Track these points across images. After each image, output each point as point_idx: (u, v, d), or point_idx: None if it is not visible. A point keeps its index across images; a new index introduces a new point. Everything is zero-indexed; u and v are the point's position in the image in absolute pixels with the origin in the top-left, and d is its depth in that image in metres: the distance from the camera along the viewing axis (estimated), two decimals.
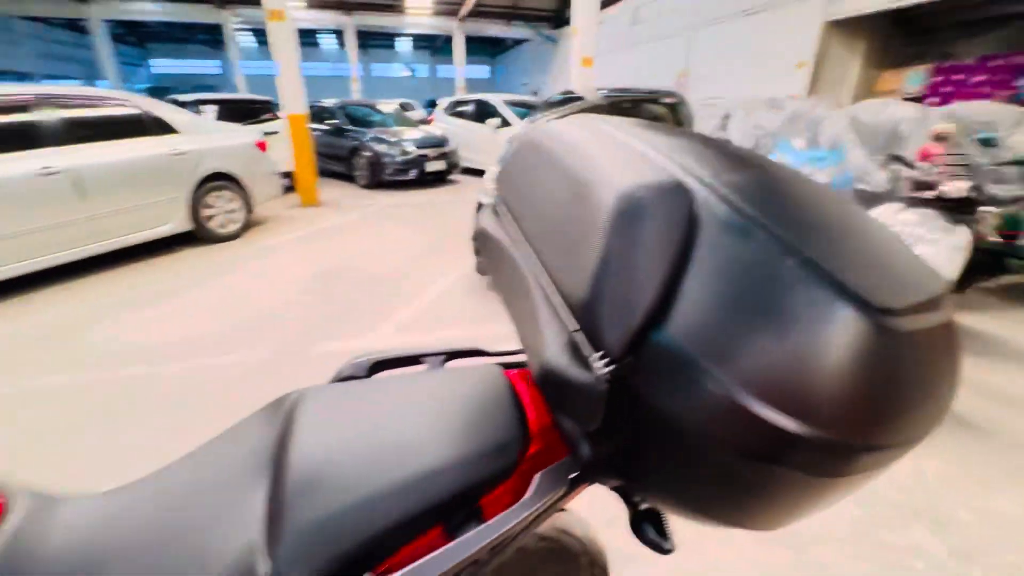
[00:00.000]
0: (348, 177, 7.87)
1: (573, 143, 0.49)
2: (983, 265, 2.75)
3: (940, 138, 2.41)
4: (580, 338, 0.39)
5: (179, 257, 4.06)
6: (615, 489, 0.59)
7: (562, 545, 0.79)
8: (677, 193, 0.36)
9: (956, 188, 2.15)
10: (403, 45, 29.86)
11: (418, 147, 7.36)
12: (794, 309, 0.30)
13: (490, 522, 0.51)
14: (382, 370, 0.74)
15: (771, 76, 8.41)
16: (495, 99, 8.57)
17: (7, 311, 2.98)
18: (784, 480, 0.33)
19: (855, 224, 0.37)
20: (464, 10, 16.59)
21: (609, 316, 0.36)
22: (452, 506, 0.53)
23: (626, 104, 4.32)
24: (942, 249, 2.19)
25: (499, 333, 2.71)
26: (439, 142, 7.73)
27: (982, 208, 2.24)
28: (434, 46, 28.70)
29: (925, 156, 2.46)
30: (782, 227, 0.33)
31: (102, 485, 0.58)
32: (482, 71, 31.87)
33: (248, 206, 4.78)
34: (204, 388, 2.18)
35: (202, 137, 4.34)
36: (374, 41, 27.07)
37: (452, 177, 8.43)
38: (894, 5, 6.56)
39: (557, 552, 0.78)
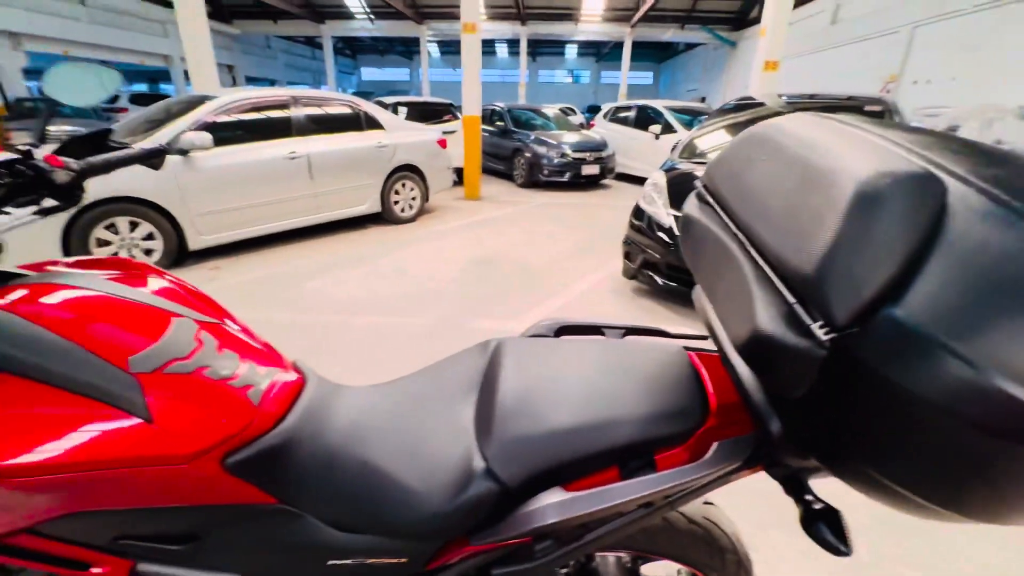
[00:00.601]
0: (507, 176, 8.42)
1: (809, 137, 0.53)
2: None
3: None
4: (800, 309, 0.43)
5: (369, 233, 4.83)
6: (788, 482, 0.60)
7: (712, 536, 0.82)
8: (928, 181, 0.39)
9: None
10: (570, 52, 30.65)
11: (575, 151, 7.55)
12: None
13: (661, 473, 0.58)
14: (567, 334, 0.86)
15: (1014, 80, 6.70)
16: (658, 105, 8.35)
17: (256, 260, 3.91)
18: (990, 449, 0.34)
19: None
20: (637, 16, 16.37)
21: (837, 289, 0.39)
22: (628, 453, 0.61)
23: (823, 110, 3.89)
24: None
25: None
26: (597, 146, 7.82)
27: None
28: (599, 52, 28.88)
29: None
30: None
31: None
32: (645, 77, 31.13)
33: (425, 195, 5.46)
34: (382, 340, 2.61)
35: (399, 133, 5.09)
36: (543, 48, 28.30)
37: (605, 182, 8.46)
38: None
39: (707, 540, 0.81)
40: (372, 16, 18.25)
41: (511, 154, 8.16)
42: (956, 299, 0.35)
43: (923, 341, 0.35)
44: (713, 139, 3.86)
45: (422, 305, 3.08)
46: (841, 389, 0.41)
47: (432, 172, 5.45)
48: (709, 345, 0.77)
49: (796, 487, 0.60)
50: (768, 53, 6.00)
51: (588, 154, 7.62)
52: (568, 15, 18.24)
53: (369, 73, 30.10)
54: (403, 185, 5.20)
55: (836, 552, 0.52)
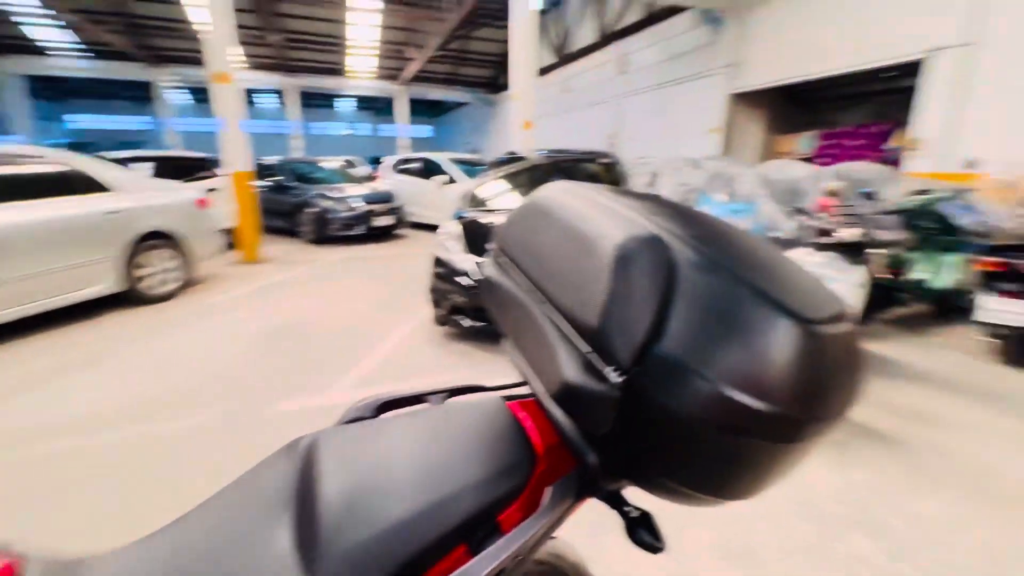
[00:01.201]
0: (292, 233, 7.74)
1: (572, 206, 0.61)
2: (879, 299, 3.19)
3: (832, 193, 2.86)
4: (594, 357, 0.49)
5: (108, 320, 3.77)
6: (609, 500, 0.68)
7: (559, 569, 0.85)
8: (657, 243, 0.49)
9: (850, 234, 2.55)
10: (344, 104, 30.46)
11: (365, 202, 7.44)
12: (752, 323, 0.43)
13: (509, 534, 0.57)
14: (388, 410, 0.80)
15: (689, 139, 9.43)
16: (440, 158, 8.93)
17: None
18: (756, 450, 0.44)
19: (777, 259, 0.51)
20: (405, 75, 17.39)
21: (618, 337, 0.47)
22: (473, 525, 0.59)
23: (566, 164, 4.70)
24: (846, 286, 2.55)
25: (465, 378, 2.74)
26: (386, 197, 7.86)
27: (871, 250, 2.65)
28: (376, 106, 29.52)
29: (822, 207, 2.89)
30: (734, 264, 0.47)
31: None
32: (425, 130, 32.99)
33: (188, 264, 4.57)
34: (146, 458, 2.02)
35: (137, 195, 4.18)
36: (315, 101, 27.45)
37: (399, 232, 8.51)
38: (779, 83, 7.72)
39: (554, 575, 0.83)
40: (86, 54, 14.91)
41: (292, 210, 7.56)
42: (695, 332, 0.44)
43: (680, 369, 0.43)
44: (492, 189, 4.29)
45: (199, 399, 2.51)
46: (636, 420, 0.48)
47: (193, 237, 4.61)
48: (526, 390, 0.82)
49: (616, 502, 0.68)
50: (523, 115, 7.04)
51: (379, 205, 7.59)
52: (336, 70, 18.22)
53: (83, 120, 24.14)
54: (155, 256, 4.26)
55: (653, 550, 0.59)
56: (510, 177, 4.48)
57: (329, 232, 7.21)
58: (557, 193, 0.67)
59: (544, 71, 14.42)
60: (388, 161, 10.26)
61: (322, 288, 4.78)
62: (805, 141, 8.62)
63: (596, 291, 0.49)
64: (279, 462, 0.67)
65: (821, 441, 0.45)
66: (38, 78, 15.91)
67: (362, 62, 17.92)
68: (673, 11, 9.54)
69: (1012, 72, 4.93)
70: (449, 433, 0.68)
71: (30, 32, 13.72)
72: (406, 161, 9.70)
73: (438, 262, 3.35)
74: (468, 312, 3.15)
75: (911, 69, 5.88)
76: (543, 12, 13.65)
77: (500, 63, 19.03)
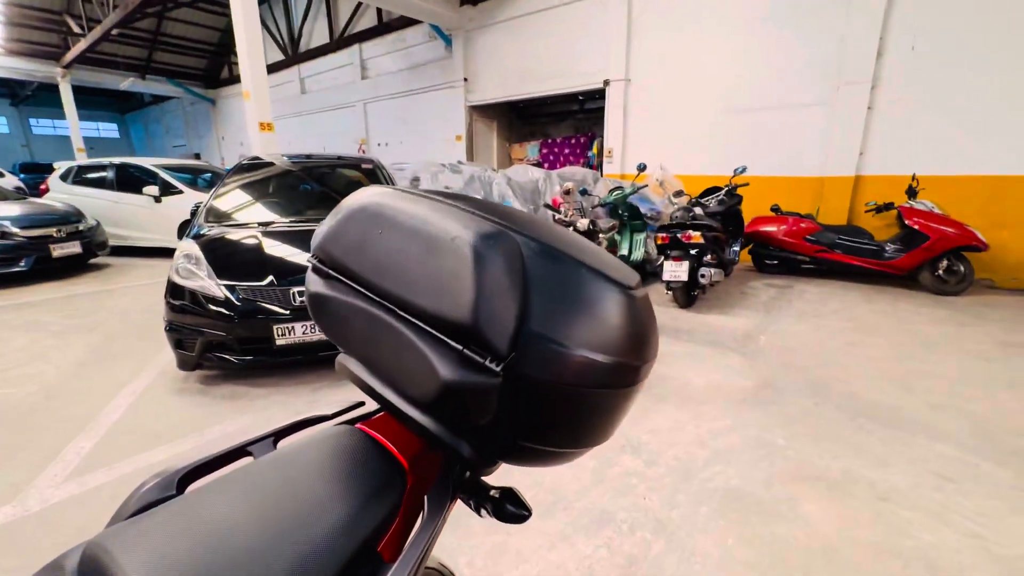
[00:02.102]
0: None
1: (407, 209, 0.60)
2: None
3: (567, 192, 3.51)
4: (469, 352, 0.50)
5: None
6: (471, 490, 0.70)
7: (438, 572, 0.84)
8: (506, 237, 0.53)
9: (583, 224, 3.18)
10: None
11: (26, 226, 5.37)
12: (593, 294, 0.52)
13: (399, 560, 0.54)
14: (193, 480, 0.63)
15: (438, 146, 10.00)
16: (148, 163, 7.12)
17: None
18: (609, 398, 0.54)
19: (585, 243, 0.62)
20: (70, 56, 13.11)
21: (492, 328, 0.49)
22: (354, 567, 0.53)
23: (324, 169, 4.39)
24: None
25: (246, 429, 2.30)
26: (64, 218, 5.84)
27: (600, 235, 3.36)
28: (19, 94, 21.48)
29: (555, 204, 3.53)
30: (565, 249, 0.55)
31: None
32: (109, 129, 25.74)
33: None
34: None
35: None
36: None
37: (98, 261, 6.47)
38: (503, 99, 8.97)
39: None
40: None
41: None
42: (549, 310, 0.51)
43: (545, 345, 0.50)
44: (236, 199, 3.68)
45: None
46: (514, 400, 0.53)
47: None
48: (367, 408, 0.77)
49: (477, 491, 0.71)
50: (259, 115, 6.21)
51: (54, 229, 5.58)
52: None
53: None
54: None
55: (522, 519, 0.63)
56: (256, 185, 3.92)
57: None
58: (383, 197, 0.64)
59: (273, 68, 12.99)
60: (61, 168, 7.61)
61: None
62: (532, 149, 10.21)
63: (461, 289, 0.51)
64: None
65: (646, 381, 0.57)
66: None
67: None
68: (407, 21, 9.88)
69: (646, 99, 6.96)
70: (296, 479, 0.58)
71: None
72: (90, 169, 7.38)
73: (176, 292, 2.69)
74: (233, 346, 2.64)
75: (600, 94, 7.64)
76: (260, 1, 12.24)
77: (214, 53, 16.31)
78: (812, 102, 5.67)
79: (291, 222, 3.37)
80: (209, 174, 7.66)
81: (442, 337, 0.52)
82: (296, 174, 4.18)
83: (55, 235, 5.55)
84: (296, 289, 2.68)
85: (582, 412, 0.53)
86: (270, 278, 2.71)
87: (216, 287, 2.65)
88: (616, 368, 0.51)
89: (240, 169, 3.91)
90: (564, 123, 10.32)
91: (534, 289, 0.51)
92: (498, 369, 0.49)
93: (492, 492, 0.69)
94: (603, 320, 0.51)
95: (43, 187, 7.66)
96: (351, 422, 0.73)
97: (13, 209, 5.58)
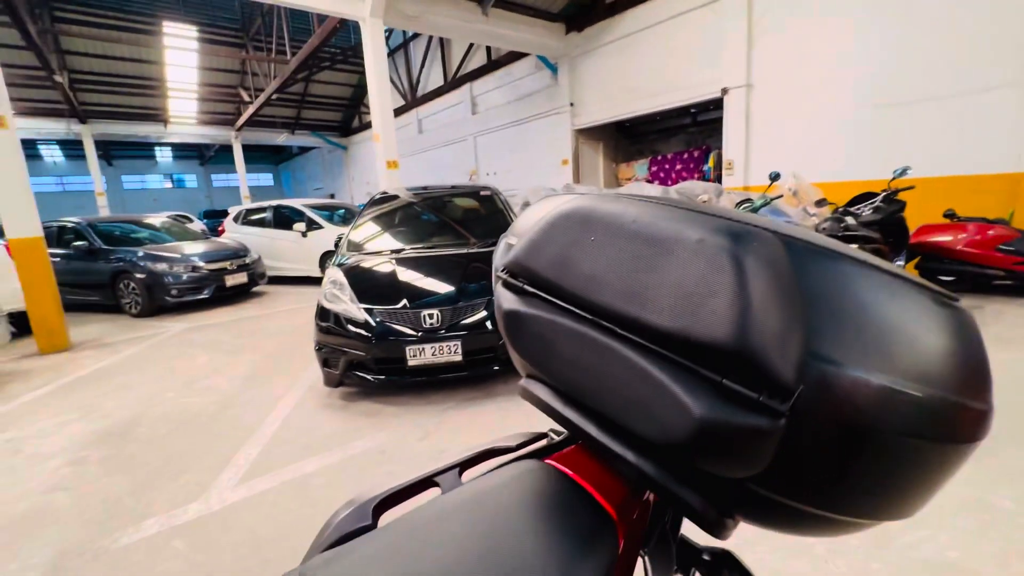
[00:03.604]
0: (111, 307, 6.31)
1: (630, 212, 0.51)
2: None
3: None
4: (733, 385, 0.39)
5: None
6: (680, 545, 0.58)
7: None
8: (764, 237, 0.42)
9: None
10: (163, 153, 26.71)
11: (209, 261, 6.44)
12: (901, 306, 0.38)
13: None
14: (387, 509, 0.59)
15: (544, 170, 10.17)
16: (296, 204, 8.21)
17: None
18: (932, 453, 0.38)
19: (849, 247, 0.48)
20: (241, 121, 15.89)
21: (770, 354, 0.38)
22: None
23: (444, 198, 4.64)
24: None
25: (382, 445, 2.41)
26: (236, 253, 6.90)
27: None
28: (203, 155, 26.44)
29: None
30: (837, 247, 0.42)
31: None
32: (265, 179, 30.47)
33: None
34: None
35: None
36: (120, 151, 23.61)
37: (259, 289, 7.53)
38: (611, 119, 8.84)
39: None
40: None
41: (111, 280, 6.18)
42: (842, 328, 0.38)
43: (842, 373, 0.37)
44: (369, 230, 4.01)
45: (9, 543, 1.78)
46: (799, 450, 0.40)
47: None
48: (545, 440, 0.69)
49: (688, 552, 0.58)
50: (386, 155, 6.85)
51: (228, 263, 6.62)
52: (153, 115, 15.88)
53: None
54: None
55: None
56: (386, 217, 4.25)
57: (166, 300, 6.04)
58: (588, 201, 0.57)
59: (395, 113, 14.42)
60: (234, 212, 9.11)
61: (166, 369, 3.91)
62: (640, 168, 9.90)
63: (719, 304, 0.40)
64: None
65: (985, 439, 0.39)
66: None
67: (184, 105, 15.92)
68: (515, 56, 10.35)
69: (772, 104, 6.34)
70: (497, 523, 0.51)
71: None
72: (254, 211, 8.72)
73: (324, 315, 2.96)
74: (368, 365, 2.82)
75: (715, 104, 7.19)
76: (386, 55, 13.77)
77: (348, 105, 18.58)
78: (998, 84, 4.70)
79: (417, 248, 3.58)
80: (343, 210, 8.61)
81: (690, 365, 0.42)
82: (419, 205, 4.46)
83: (229, 267, 6.58)
84: (425, 312, 2.80)
85: (893, 471, 0.39)
86: (403, 302, 2.87)
87: (358, 310, 2.87)
88: (950, 410, 0.37)
89: (372, 203, 4.28)
90: (674, 138, 9.88)
91: (814, 301, 0.39)
92: (783, 408, 0.37)
93: (704, 555, 0.56)
94: (926, 340, 0.37)
95: (221, 228, 9.22)
96: (535, 453, 0.66)
97: (200, 247, 6.75)
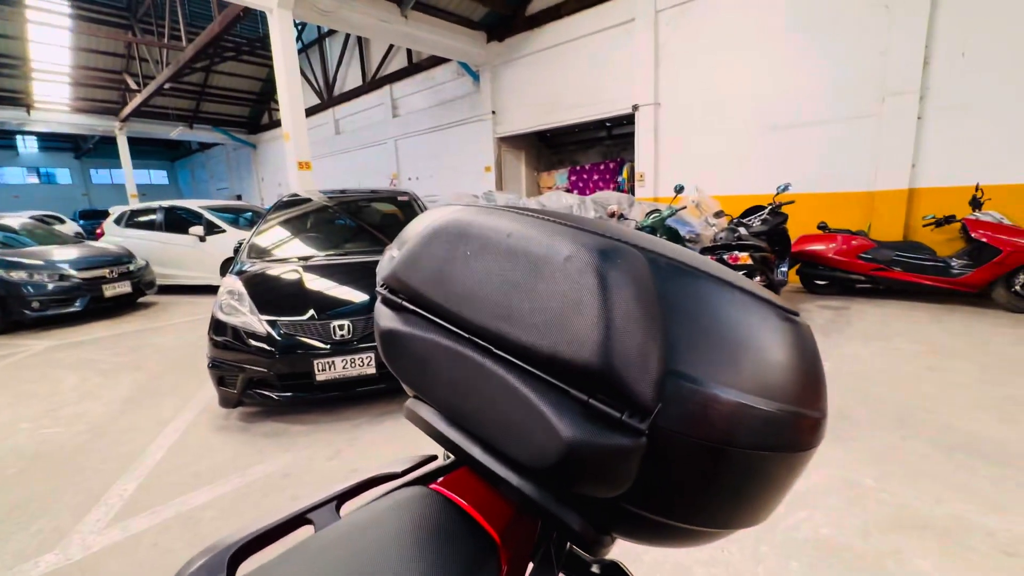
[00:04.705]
0: None
1: (505, 226, 0.49)
2: None
3: (611, 214, 3.41)
4: (600, 404, 0.39)
5: None
6: (570, 562, 0.59)
7: None
8: (630, 254, 0.42)
9: None
10: (27, 144, 23.16)
11: (81, 268, 5.63)
12: (750, 322, 0.40)
13: None
14: (249, 556, 0.52)
15: (468, 177, 10.16)
16: (193, 205, 7.45)
17: None
18: (778, 463, 0.40)
19: (711, 261, 0.50)
20: (127, 110, 14.18)
21: (630, 372, 0.38)
22: None
23: (360, 203, 4.44)
24: None
25: (286, 468, 2.22)
26: (117, 259, 6.11)
27: None
28: (80, 147, 23.26)
29: None
30: (696, 263, 0.43)
31: None
32: (159, 176, 27.50)
33: None
34: None
35: None
36: None
37: (146, 299, 6.72)
38: (531, 129, 9.07)
39: None
40: None
41: None
42: (696, 345, 0.39)
43: (697, 391, 0.38)
44: (275, 236, 3.73)
45: None
46: (660, 467, 0.40)
47: None
48: (436, 464, 0.66)
49: (578, 566, 0.58)
50: (298, 155, 6.45)
51: (107, 270, 5.84)
52: (12, 99, 13.66)
53: None
54: None
55: None
56: (295, 221, 3.98)
57: (25, 314, 5.18)
58: (467, 214, 0.54)
59: (310, 112, 13.66)
60: (116, 213, 8.06)
61: (21, 394, 3.34)
62: (560, 177, 10.23)
63: (583, 323, 0.39)
64: None
65: (820, 446, 0.43)
66: None
67: (54, 89, 13.91)
68: (436, 60, 10.25)
69: (678, 121, 6.88)
70: (372, 560, 0.47)
71: None
72: (142, 212, 7.78)
73: (219, 328, 2.69)
74: (270, 382, 2.60)
75: (628, 119, 7.62)
76: (299, 51, 13.01)
77: (256, 101, 17.33)
78: (857, 115, 5.46)
79: (329, 255, 3.38)
80: (250, 213, 7.96)
81: (560, 384, 0.41)
82: (333, 209, 4.24)
83: (107, 276, 5.80)
84: (336, 323, 2.64)
85: (746, 483, 0.40)
86: (310, 312, 2.68)
87: (258, 322, 2.64)
88: (793, 422, 0.39)
89: (280, 206, 3.99)
90: (592, 150, 10.34)
91: (673, 319, 0.39)
92: (643, 426, 0.37)
93: (593, 567, 0.56)
94: (773, 355, 0.39)
95: (99, 231, 8.11)
96: (421, 479, 0.62)
97: (71, 252, 5.88)
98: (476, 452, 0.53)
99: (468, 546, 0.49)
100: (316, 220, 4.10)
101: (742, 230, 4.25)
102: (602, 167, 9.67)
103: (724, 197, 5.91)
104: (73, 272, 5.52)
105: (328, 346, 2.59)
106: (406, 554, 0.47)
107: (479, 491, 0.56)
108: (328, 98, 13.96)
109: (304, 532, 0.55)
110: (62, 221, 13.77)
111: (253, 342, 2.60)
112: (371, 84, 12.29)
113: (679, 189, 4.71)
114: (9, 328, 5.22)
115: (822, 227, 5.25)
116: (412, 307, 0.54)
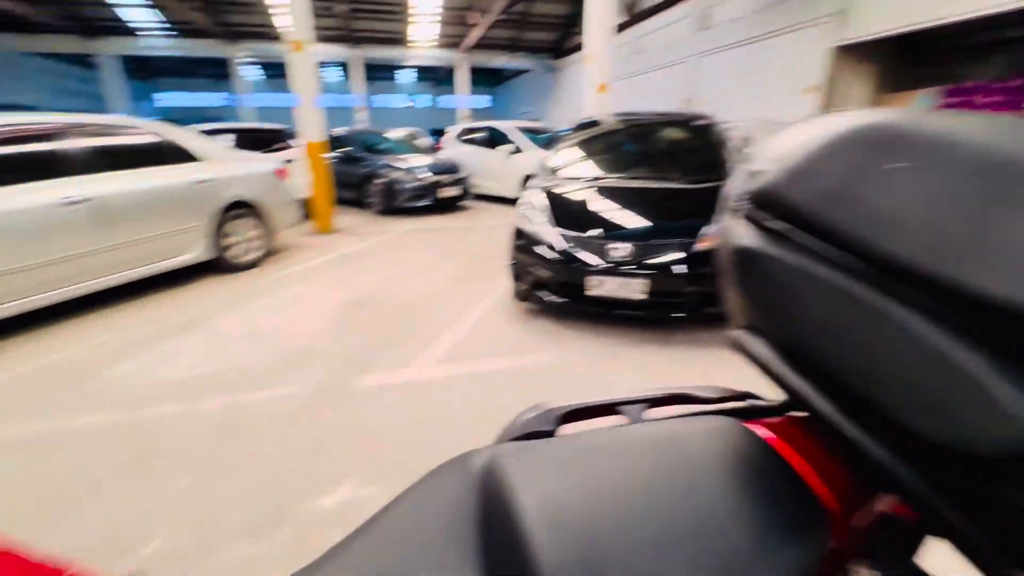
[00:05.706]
0: (360, 204, 7.84)
1: (972, 132, 0.37)
2: None
3: None
4: None
5: (200, 287, 3.93)
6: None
7: None
8: None
9: None
10: (405, 77, 30.57)
11: (431, 173, 7.36)
12: None
13: None
14: (570, 422, 0.61)
15: (776, 100, 8.51)
16: (506, 126, 8.64)
17: (40, 343, 2.83)
18: None
19: None
20: (467, 43, 17.01)
21: None
22: None
23: (650, 127, 4.29)
24: None
25: (553, 362, 2.57)
26: (451, 168, 7.74)
27: None
28: (436, 77, 29.35)
29: None
30: None
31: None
32: (483, 100, 32.51)
33: (268, 234, 4.69)
34: (248, 427, 2.02)
35: (223, 165, 4.27)
36: (377, 74, 27.64)
37: (464, 204, 8.40)
38: (902, 30, 6.67)
39: None
40: (171, 33, 15.77)
41: (362, 181, 7.62)
42: None
43: None
44: (568, 157, 3.99)
45: (290, 370, 2.52)
46: None
47: (274, 207, 4.71)
48: (757, 404, 0.61)
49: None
50: (599, 77, 6.57)
51: (445, 176, 7.49)
52: (398, 39, 18.14)
53: (169, 98, 25.85)
54: (239, 225, 4.38)
55: None
56: (588, 143, 4.16)
57: (397, 203, 7.22)
58: (892, 117, 0.42)
59: (615, 31, 13.52)
60: (452, 131, 10.09)
61: (395, 259, 4.76)
62: (922, 99, 7.49)
63: None
64: (449, 483, 0.50)
65: None
66: (129, 58, 17.05)
67: (424, 30, 17.67)
68: None
69: None
70: (686, 470, 0.47)
71: (122, 13, 14.60)
72: (470, 131, 9.50)
73: (520, 234, 3.15)
74: (551, 287, 2.95)
75: None
76: None
77: (565, 25, 18.13)
78: None
79: (620, 178, 3.45)
80: (547, 135, 8.76)
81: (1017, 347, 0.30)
82: (622, 132, 4.23)
83: (444, 181, 7.46)
84: (615, 244, 2.74)
85: None
86: (595, 231, 2.85)
87: (549, 233, 2.97)
88: None
89: (577, 128, 4.21)
90: (988, 60, 7.08)
91: None
92: None
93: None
94: None
95: (438, 145, 10.37)
96: (732, 413, 0.59)
97: (426, 160, 7.76)
98: (824, 405, 0.45)
99: (791, 505, 0.44)
100: (608, 143, 4.19)
101: None
102: (1003, 85, 6.58)
103: None
104: (427, 175, 7.30)
105: (603, 264, 2.73)
106: (719, 483, 0.45)
107: (808, 448, 0.50)
108: (633, 15, 13.47)
109: (614, 420, 0.61)
110: (421, 136, 18.18)
111: (543, 249, 2.95)
112: None
113: None
114: (387, 212, 7.39)
115: None
116: (789, 226, 0.47)
